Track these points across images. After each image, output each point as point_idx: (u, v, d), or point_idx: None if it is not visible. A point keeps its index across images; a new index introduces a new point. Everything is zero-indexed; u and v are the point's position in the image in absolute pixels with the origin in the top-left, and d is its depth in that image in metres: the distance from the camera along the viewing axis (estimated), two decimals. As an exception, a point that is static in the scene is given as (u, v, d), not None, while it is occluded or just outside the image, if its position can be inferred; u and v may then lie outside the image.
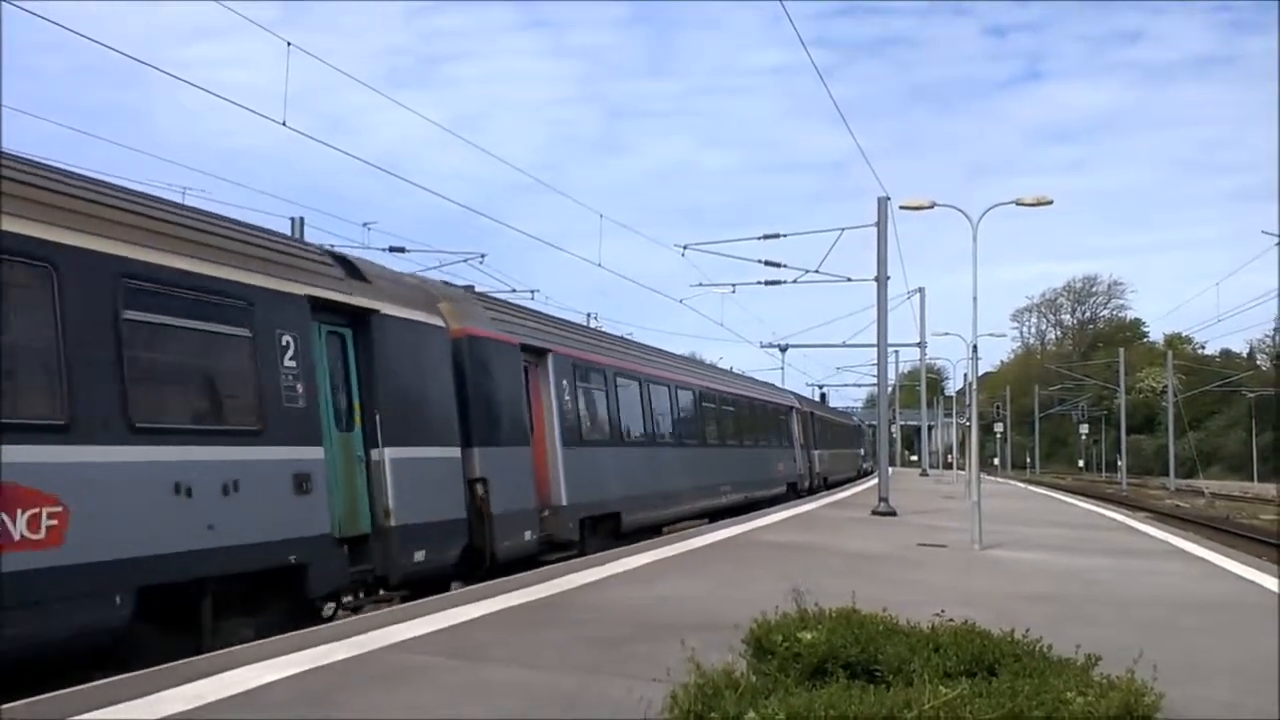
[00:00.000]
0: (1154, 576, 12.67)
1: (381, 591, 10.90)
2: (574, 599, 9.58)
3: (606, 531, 16.67)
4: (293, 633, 7.65)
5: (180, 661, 6.68)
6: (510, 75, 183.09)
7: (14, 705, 5.55)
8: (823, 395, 70.62)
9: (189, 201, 13.80)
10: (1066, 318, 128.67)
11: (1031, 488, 49.41)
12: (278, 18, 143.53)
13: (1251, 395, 76.75)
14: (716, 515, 22.37)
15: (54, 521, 7.06)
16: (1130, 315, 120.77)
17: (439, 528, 11.67)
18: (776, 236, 27.43)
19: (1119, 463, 77.18)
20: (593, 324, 34.42)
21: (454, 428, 12.35)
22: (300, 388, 9.69)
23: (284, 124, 14.20)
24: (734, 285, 32.81)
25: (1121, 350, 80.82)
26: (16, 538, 6.77)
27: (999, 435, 78.08)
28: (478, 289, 16.47)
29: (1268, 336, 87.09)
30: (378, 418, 10.82)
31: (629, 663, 6.60)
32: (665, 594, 9.98)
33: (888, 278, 24.65)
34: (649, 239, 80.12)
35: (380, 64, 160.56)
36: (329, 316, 10.42)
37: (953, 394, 76.72)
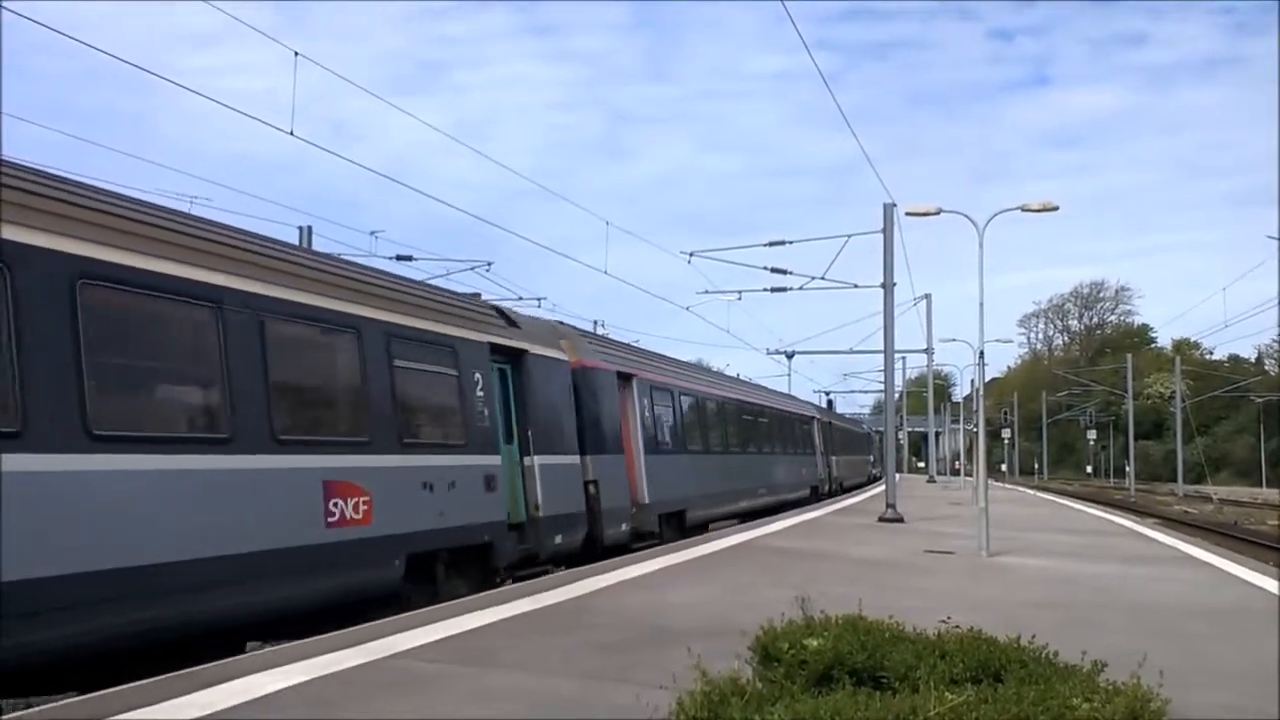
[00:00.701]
0: (1162, 583, 12.65)
1: (532, 567, 13.60)
2: (584, 605, 9.61)
3: (675, 526, 19.43)
4: (302, 640, 7.70)
5: (190, 670, 6.71)
6: (513, 80, 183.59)
7: (28, 713, 5.59)
8: (830, 402, 70.54)
9: (195, 210, 13.95)
10: (1074, 323, 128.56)
11: (1039, 494, 49.29)
12: (280, 23, 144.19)
13: (1260, 400, 76.54)
14: (754, 515, 24.40)
15: (366, 507, 10.17)
16: (1138, 320, 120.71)
17: (569, 519, 14.86)
18: (782, 243, 27.45)
19: (1127, 468, 76.90)
20: (600, 331, 34.67)
21: (574, 440, 15.47)
22: (486, 411, 12.86)
23: (291, 133, 14.27)
24: (740, 292, 32.74)
25: (1129, 356, 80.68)
26: (349, 517, 9.95)
27: (1006, 441, 77.85)
28: (485, 297, 17.06)
29: (1275, 341, 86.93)
30: (529, 433, 14.00)
31: (637, 669, 6.62)
32: (674, 600, 10.00)
33: (894, 284, 24.65)
34: (654, 245, 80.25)
35: (383, 70, 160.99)
36: (497, 356, 13.48)
37: (960, 400, 76.65)
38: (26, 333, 7.11)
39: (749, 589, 10.79)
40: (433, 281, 17.37)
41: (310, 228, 25.26)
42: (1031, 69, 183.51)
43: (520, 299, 30.06)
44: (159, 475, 8.02)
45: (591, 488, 15.80)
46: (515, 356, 14.00)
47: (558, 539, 14.39)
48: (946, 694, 4.03)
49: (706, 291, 33.18)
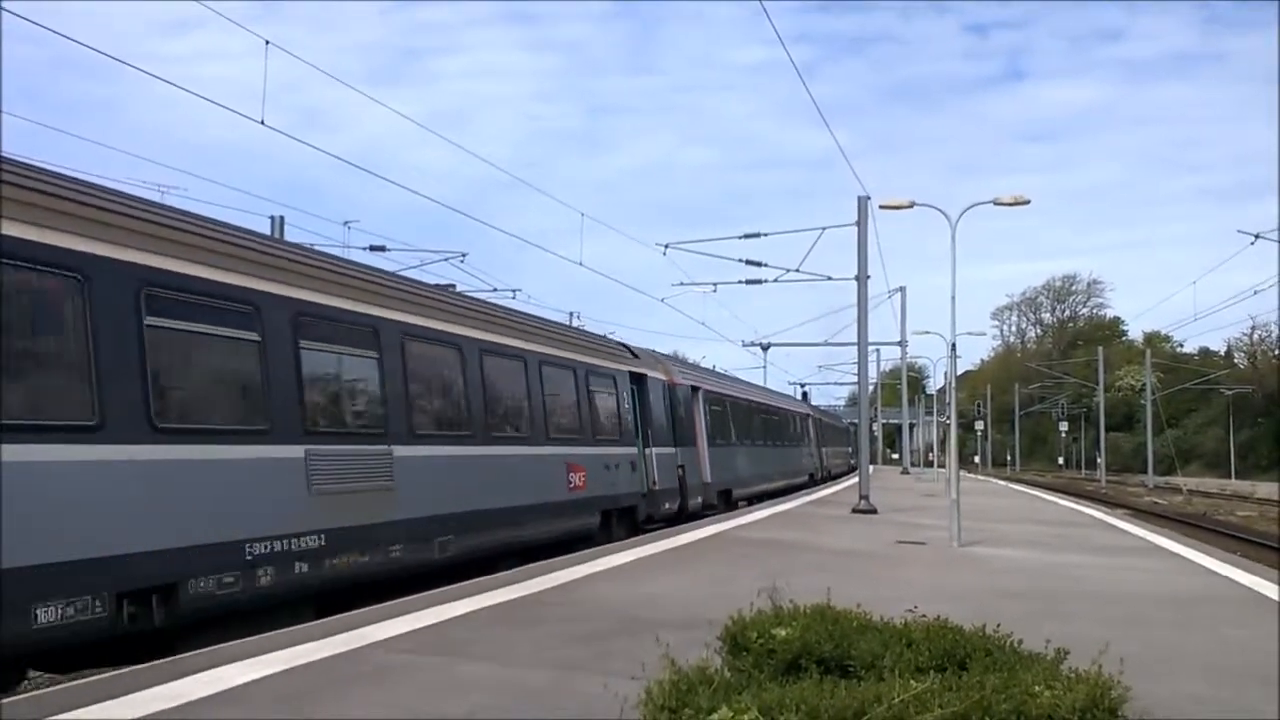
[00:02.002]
0: (1130, 572, 12.81)
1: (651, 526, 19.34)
2: (557, 596, 9.63)
3: (724, 500, 25.39)
4: (274, 632, 7.68)
5: (162, 661, 6.70)
6: (490, 70, 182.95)
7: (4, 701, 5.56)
8: (805, 394, 70.91)
9: (168, 200, 13.90)
10: (1046, 316, 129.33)
11: (1012, 485, 49.70)
12: (256, 12, 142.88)
13: (1229, 393, 77.34)
14: (772, 494, 30.78)
15: (582, 480, 16.06)
16: (1109, 314, 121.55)
17: (670, 492, 20.90)
18: (757, 236, 27.55)
19: (1098, 460, 77.66)
20: (576, 323, 35.03)
21: (670, 435, 21.59)
22: (630, 417, 19.18)
23: (262, 122, 14.18)
24: (715, 284, 32.99)
25: (1100, 348, 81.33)
26: (576, 484, 15.90)
27: (979, 433, 78.39)
28: (459, 288, 17.69)
29: (1245, 335, 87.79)
30: (648, 431, 19.98)
31: (609, 659, 6.66)
32: (647, 591, 10.04)
33: (868, 277, 24.81)
34: (630, 237, 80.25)
35: (360, 58, 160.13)
36: (629, 379, 19.53)
37: (933, 392, 77.09)
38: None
39: (722, 580, 10.84)
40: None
41: (283, 218, 25.11)
42: (1007, 63, 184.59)
43: (495, 290, 30.08)
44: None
45: (680, 470, 21.81)
46: (639, 379, 20.12)
47: (665, 505, 20.49)
48: (911, 682, 4.08)
49: (682, 284, 33.37)
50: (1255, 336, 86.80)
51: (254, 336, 9.32)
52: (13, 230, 7.12)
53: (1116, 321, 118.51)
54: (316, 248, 14.17)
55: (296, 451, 9.58)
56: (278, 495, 9.33)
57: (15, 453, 6.84)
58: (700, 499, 22.89)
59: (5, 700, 5.67)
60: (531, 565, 11.87)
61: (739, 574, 11.19)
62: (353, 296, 10.96)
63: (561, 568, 11.65)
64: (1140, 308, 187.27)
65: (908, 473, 57.73)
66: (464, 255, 28.18)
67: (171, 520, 8.07)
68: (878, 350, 65.03)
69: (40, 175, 7.77)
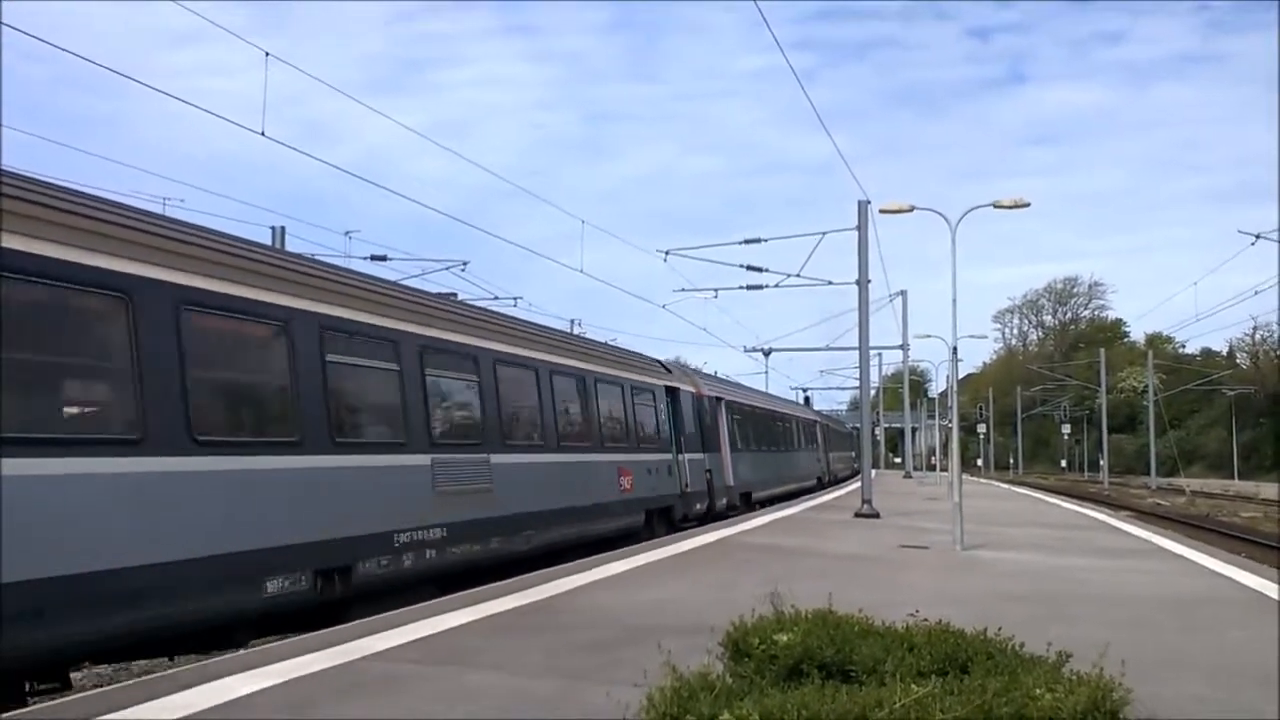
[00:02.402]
0: (1133, 575, 12.79)
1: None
2: (559, 604, 9.63)
3: (745, 501, 27.57)
4: (277, 642, 7.69)
5: (162, 674, 6.70)
6: (492, 80, 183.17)
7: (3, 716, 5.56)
8: (807, 399, 70.88)
9: (168, 212, 13.98)
10: (1048, 318, 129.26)
11: (1014, 488, 49.65)
12: (259, 24, 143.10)
13: (1231, 394, 77.25)
14: (785, 496, 32.63)
15: (630, 482, 18.35)
16: (1111, 315, 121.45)
17: (700, 494, 23.01)
18: (758, 241, 27.53)
19: (1101, 462, 77.59)
20: (577, 330, 35.32)
21: (699, 442, 23.68)
22: (665, 426, 21.51)
23: (263, 133, 14.20)
24: (716, 290, 32.92)
25: (1102, 350, 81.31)
26: (625, 487, 18.14)
27: (981, 436, 78.34)
28: (460, 296, 17.74)
29: (1246, 335, 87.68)
30: (680, 439, 22.18)
31: (611, 667, 6.65)
32: (650, 598, 10.04)
33: (869, 281, 24.82)
34: (631, 245, 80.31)
35: (363, 70, 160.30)
36: (665, 392, 21.86)
37: (936, 396, 77.02)
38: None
39: (724, 586, 10.84)
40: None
41: (284, 228, 25.15)
42: (1009, 67, 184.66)
43: (496, 298, 30.11)
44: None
45: (708, 474, 23.92)
46: (672, 392, 22.42)
47: (696, 506, 22.71)
48: (913, 686, 4.08)
49: (683, 290, 33.38)
50: (1257, 337, 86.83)
51: (394, 367, 11.48)
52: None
53: (1118, 323, 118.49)
54: (352, 269, 14.40)
55: (425, 460, 11.76)
56: (414, 495, 11.50)
57: (258, 463, 9.08)
58: (725, 500, 25.22)
59: (5, 716, 5.67)
60: (532, 574, 11.87)
61: (741, 580, 11.19)
62: (462, 331, 13.38)
63: (563, 575, 11.64)
64: (1142, 309, 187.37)
65: (910, 477, 57.65)
66: (465, 263, 28.24)
67: (348, 516, 10.18)
68: (879, 354, 65.10)
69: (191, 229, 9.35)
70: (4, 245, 7.07)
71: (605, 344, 23.01)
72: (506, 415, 14.06)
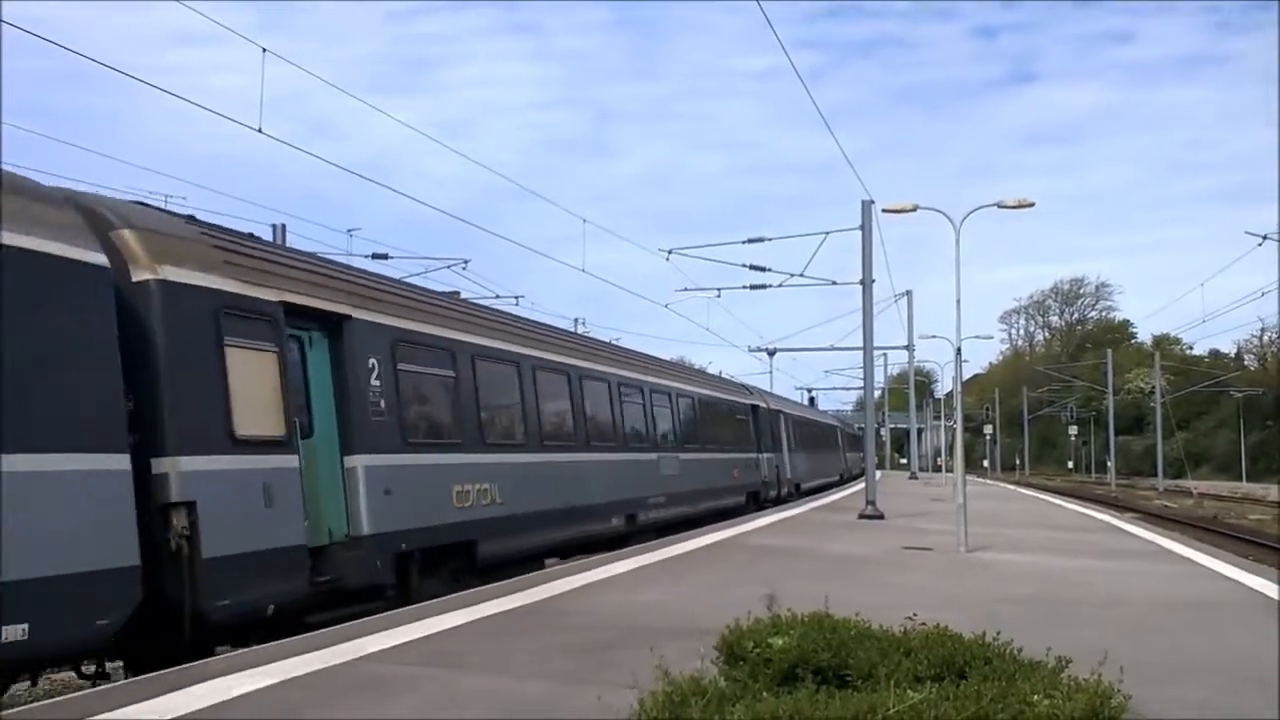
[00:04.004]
0: (1139, 577, 12.68)
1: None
2: (555, 606, 9.56)
3: (796, 490, 35.37)
4: (268, 644, 7.62)
5: (151, 675, 6.63)
6: (494, 79, 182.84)
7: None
8: (811, 399, 70.82)
9: (171, 207, 13.95)
10: (1055, 319, 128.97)
11: (1020, 489, 49.48)
12: (261, 22, 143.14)
13: (1239, 395, 76.94)
14: (823, 488, 41.47)
15: (739, 473, 27.49)
16: (1118, 316, 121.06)
17: (772, 483, 30.97)
18: (761, 240, 27.47)
19: (1108, 464, 77.30)
20: (580, 330, 35.44)
21: (771, 445, 31.53)
22: (751, 433, 29.65)
23: (260, 130, 14.16)
24: (719, 290, 32.89)
25: (1109, 351, 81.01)
26: (736, 476, 27.53)
27: (988, 437, 78.12)
28: (463, 295, 17.57)
29: (1254, 336, 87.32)
30: (760, 442, 30.15)
31: (606, 670, 6.58)
32: (647, 600, 9.96)
33: (873, 281, 24.70)
34: (634, 243, 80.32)
35: (366, 69, 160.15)
36: (749, 409, 30.08)
37: (942, 396, 76.87)
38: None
39: (723, 588, 10.74)
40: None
41: (284, 225, 25.12)
42: (1015, 66, 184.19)
43: (498, 297, 30.11)
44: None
45: (778, 469, 32.31)
46: (754, 408, 30.51)
47: (771, 492, 30.52)
48: (908, 691, 4.00)
49: (685, 289, 33.40)
50: (1265, 338, 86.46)
51: (647, 404, 20.70)
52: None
53: (1125, 324, 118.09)
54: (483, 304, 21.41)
55: (654, 457, 20.58)
56: (653, 477, 20.22)
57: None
58: (785, 489, 33.48)
59: (4, 714, 5.61)
60: (529, 575, 11.81)
61: (740, 582, 11.09)
62: (658, 374, 22.53)
63: (560, 577, 11.57)
64: (1149, 310, 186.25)
65: (916, 478, 57.47)
66: (466, 262, 28.28)
67: (635, 487, 18.77)
68: (885, 355, 64.94)
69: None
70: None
71: (721, 377, 34.26)
72: (683, 429, 23.05)
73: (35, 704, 6.38)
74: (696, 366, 38.55)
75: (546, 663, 6.99)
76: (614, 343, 25.93)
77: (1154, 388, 74.81)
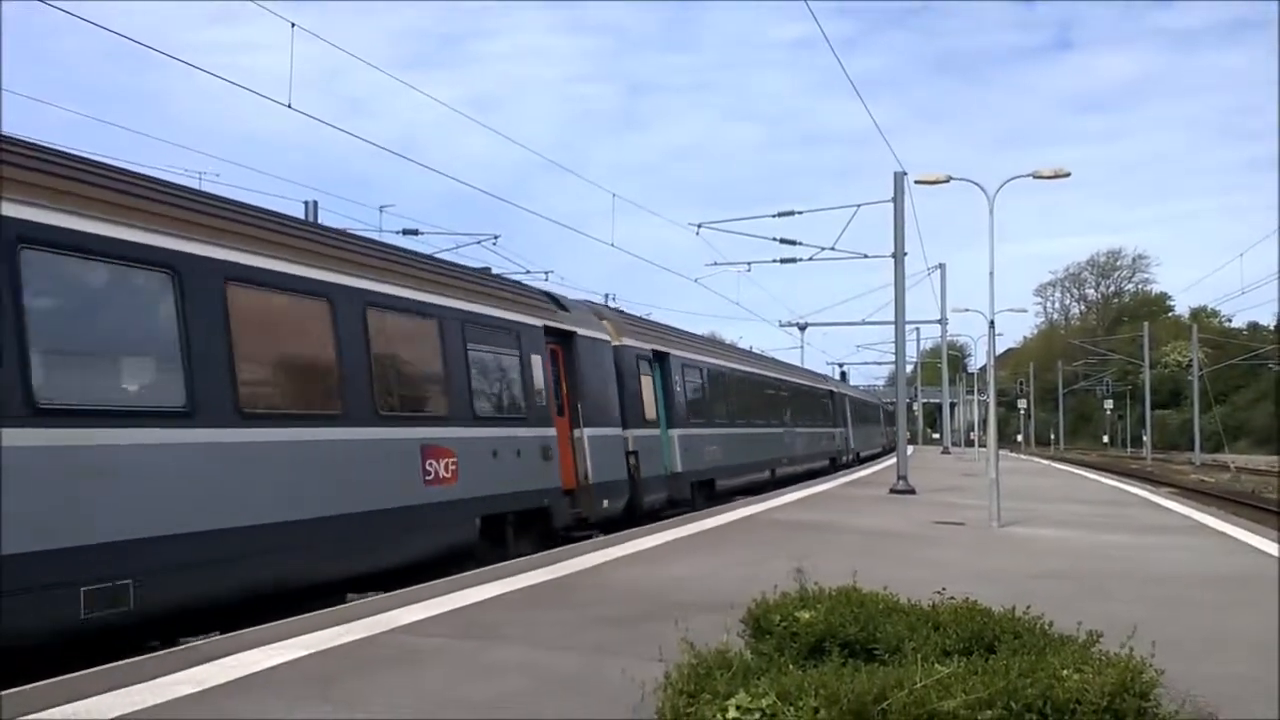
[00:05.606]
0: (1174, 552, 12.56)
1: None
2: (586, 580, 9.59)
3: (856, 458, 44.94)
4: (301, 615, 7.69)
5: (186, 646, 6.72)
6: (529, 52, 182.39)
7: (22, 689, 5.59)
8: (843, 374, 70.51)
9: (204, 186, 14.11)
10: (1090, 292, 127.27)
11: (1055, 464, 49.08)
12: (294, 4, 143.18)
13: (1278, 369, 75.78)
14: (871, 457, 49.24)
15: (826, 443, 38.86)
16: (1155, 289, 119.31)
17: (845, 450, 43.00)
18: (792, 214, 27.29)
19: (1144, 438, 76.51)
20: (611, 305, 35.23)
21: (842, 421, 43.25)
22: (832, 411, 40.86)
23: (289, 106, 14.20)
24: (749, 264, 32.68)
25: (1146, 324, 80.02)
26: (824, 443, 39.09)
27: (1022, 412, 77.48)
28: (493, 270, 17.65)
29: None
30: (838, 418, 41.94)
31: (635, 643, 6.60)
32: (676, 574, 9.97)
33: (905, 254, 24.51)
34: (663, 218, 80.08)
35: (400, 45, 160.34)
36: (829, 393, 41.53)
37: (975, 371, 76.27)
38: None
39: (753, 562, 10.74)
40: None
41: (316, 202, 25.22)
42: (1055, 33, 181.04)
43: (528, 272, 30.05)
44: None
45: (844, 441, 41.09)
46: (831, 394, 40.39)
47: (843, 459, 40.03)
48: (936, 665, 3.97)
49: (715, 263, 33.24)
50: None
51: (760, 390, 29.36)
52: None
53: (1163, 297, 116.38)
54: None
55: (782, 430, 30.18)
56: (755, 447, 26.44)
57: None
58: (849, 456, 41.84)
59: (33, 685, 5.70)
60: (558, 549, 11.85)
61: (768, 556, 11.07)
62: (748, 364, 28.61)
63: (589, 551, 11.61)
64: (1187, 281, 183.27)
65: (948, 452, 57.19)
66: (496, 237, 28.22)
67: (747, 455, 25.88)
68: (917, 329, 64.59)
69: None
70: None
71: (802, 368, 42.33)
72: (796, 412, 32.16)
73: (62, 678, 6.45)
74: (756, 351, 43.37)
75: (577, 635, 7.02)
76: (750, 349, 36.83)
77: (1191, 361, 73.85)
